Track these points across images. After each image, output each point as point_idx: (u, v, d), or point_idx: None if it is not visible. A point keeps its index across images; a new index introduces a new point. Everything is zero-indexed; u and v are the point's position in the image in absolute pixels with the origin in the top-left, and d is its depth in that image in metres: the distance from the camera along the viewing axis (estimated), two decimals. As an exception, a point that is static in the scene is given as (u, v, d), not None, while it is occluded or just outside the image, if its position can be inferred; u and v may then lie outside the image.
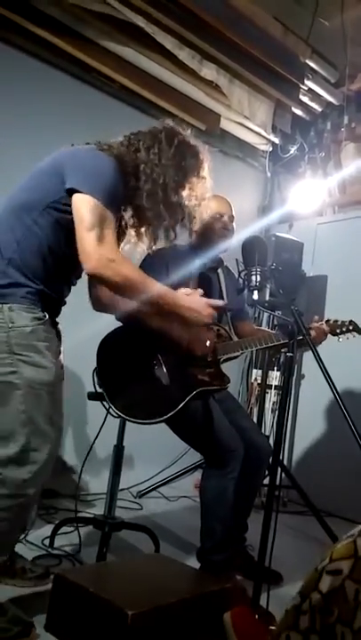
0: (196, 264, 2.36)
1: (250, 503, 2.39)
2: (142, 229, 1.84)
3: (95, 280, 1.62)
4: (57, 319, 1.82)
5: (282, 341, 2.26)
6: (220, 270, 2.51)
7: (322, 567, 0.93)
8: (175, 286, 2.28)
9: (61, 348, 1.90)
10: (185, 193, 1.81)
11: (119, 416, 2.09)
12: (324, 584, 0.91)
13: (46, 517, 2.72)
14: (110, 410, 2.11)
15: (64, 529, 2.41)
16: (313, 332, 2.33)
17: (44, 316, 1.66)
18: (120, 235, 1.85)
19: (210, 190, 1.91)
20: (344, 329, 2.40)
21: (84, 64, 3.43)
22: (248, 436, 2.26)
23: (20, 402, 1.59)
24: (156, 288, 1.73)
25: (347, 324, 2.42)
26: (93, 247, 1.56)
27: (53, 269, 1.68)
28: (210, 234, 2.40)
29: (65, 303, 1.85)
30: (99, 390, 2.14)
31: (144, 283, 1.69)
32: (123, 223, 1.84)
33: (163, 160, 1.75)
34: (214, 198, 2.42)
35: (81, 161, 1.67)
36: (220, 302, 1.92)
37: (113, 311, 2.09)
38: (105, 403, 2.13)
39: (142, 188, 1.73)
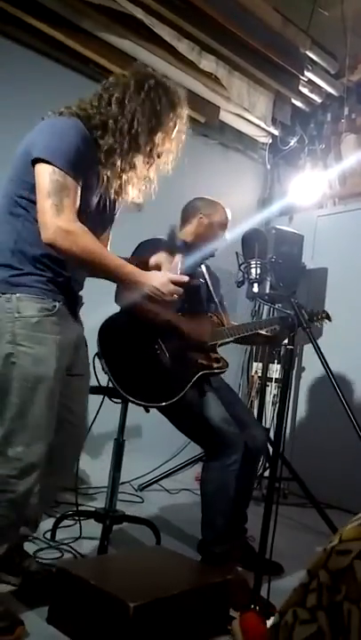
0: (190, 262, 2.39)
1: (248, 493, 2.41)
2: (123, 181, 1.75)
3: (52, 249, 1.58)
4: (77, 309, 1.80)
5: (275, 325, 2.37)
6: (202, 266, 2.56)
7: (331, 547, 0.95)
8: None
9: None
10: (159, 137, 1.74)
11: (125, 399, 2.09)
12: (333, 563, 0.92)
13: (48, 511, 2.72)
14: (114, 396, 2.16)
15: (65, 522, 2.42)
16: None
17: (54, 307, 1.63)
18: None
19: (185, 124, 1.82)
20: (319, 317, 2.76)
21: (82, 56, 3.41)
22: (246, 427, 2.29)
23: (15, 394, 1.57)
24: (115, 262, 1.67)
25: (321, 312, 2.77)
26: (50, 217, 1.53)
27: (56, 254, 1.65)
28: (210, 239, 2.47)
29: (83, 287, 1.83)
30: (101, 384, 2.15)
31: (101, 255, 1.63)
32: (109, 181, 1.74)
33: (132, 110, 1.67)
34: (221, 208, 2.51)
35: (41, 131, 1.63)
36: (184, 278, 1.81)
37: None
38: (106, 394, 2.16)
39: (114, 143, 1.67)
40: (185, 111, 1.80)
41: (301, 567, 1.00)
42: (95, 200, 1.75)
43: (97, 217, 1.78)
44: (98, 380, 2.14)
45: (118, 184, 1.74)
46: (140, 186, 1.80)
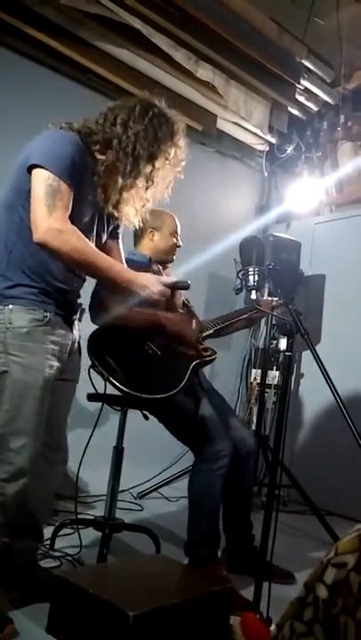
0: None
1: (248, 499, 2.42)
2: (121, 198, 1.81)
3: (43, 249, 1.61)
4: (73, 317, 1.82)
5: (251, 312, 2.47)
6: None
7: (327, 560, 0.95)
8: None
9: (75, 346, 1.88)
10: (158, 162, 1.80)
11: (129, 395, 2.09)
12: (329, 576, 0.93)
13: (48, 520, 2.70)
14: (114, 403, 2.19)
15: (64, 531, 2.41)
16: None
17: (45, 317, 1.67)
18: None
19: (184, 158, 1.89)
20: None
21: (81, 66, 3.43)
22: (234, 431, 2.32)
23: (6, 402, 1.62)
24: (106, 262, 1.72)
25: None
26: (42, 218, 1.57)
27: (50, 263, 1.68)
28: (167, 249, 2.51)
29: (80, 296, 1.88)
30: (99, 391, 2.15)
31: (92, 254, 1.67)
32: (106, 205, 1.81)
33: (135, 133, 1.74)
34: (168, 217, 2.52)
35: (39, 141, 1.69)
36: (171, 279, 1.91)
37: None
38: (105, 402, 2.16)
39: (116, 161, 1.74)
40: (183, 142, 1.87)
41: (302, 575, 1.00)
42: (90, 211, 1.78)
43: (91, 227, 1.82)
44: (95, 387, 2.14)
45: (116, 200, 1.80)
46: (136, 206, 1.85)
